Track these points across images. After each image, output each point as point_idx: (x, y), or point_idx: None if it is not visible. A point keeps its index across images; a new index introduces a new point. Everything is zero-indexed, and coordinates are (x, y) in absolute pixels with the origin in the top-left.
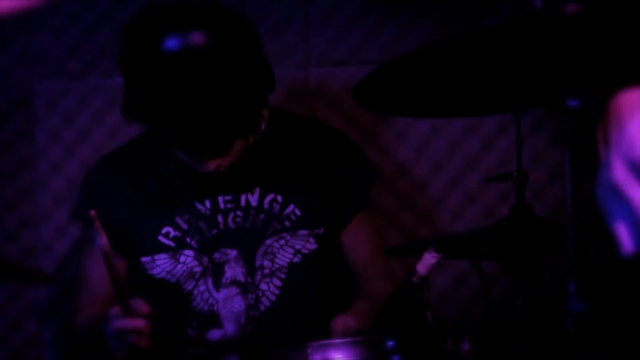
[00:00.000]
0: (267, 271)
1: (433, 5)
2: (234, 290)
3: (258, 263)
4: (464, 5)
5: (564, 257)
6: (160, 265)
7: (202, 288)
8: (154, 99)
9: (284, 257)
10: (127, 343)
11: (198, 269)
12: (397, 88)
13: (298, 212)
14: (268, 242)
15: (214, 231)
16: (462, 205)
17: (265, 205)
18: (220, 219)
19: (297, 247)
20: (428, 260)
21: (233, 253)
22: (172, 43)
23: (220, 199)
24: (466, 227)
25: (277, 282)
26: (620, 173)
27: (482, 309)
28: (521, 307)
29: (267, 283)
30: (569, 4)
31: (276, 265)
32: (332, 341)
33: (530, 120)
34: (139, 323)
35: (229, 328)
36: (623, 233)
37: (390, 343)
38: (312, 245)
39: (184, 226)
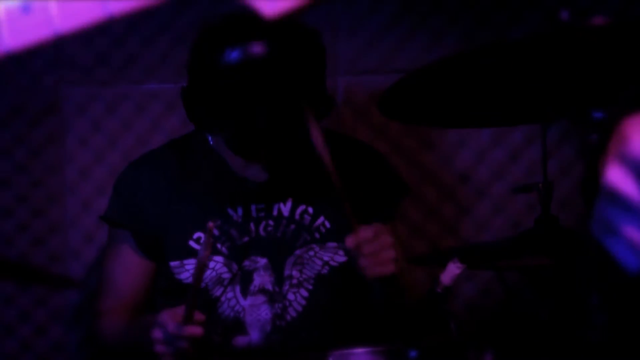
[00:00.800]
0: (295, 281)
1: (460, 17)
2: (261, 298)
3: (287, 273)
4: (490, 17)
5: (588, 268)
6: (189, 270)
7: (230, 295)
8: (231, 101)
9: (313, 268)
10: (178, 349)
11: (227, 276)
12: (423, 98)
13: (328, 225)
14: (297, 252)
15: (245, 239)
16: (489, 216)
17: (297, 216)
18: (252, 226)
19: (326, 258)
20: (452, 270)
21: (263, 261)
22: (255, 48)
23: (253, 207)
24: (492, 237)
25: (305, 293)
26: (615, 174)
27: (508, 319)
28: (545, 318)
29: (294, 293)
30: (596, 16)
31: (304, 276)
32: (353, 350)
33: (557, 132)
34: (197, 330)
35: (255, 336)
36: (628, 244)
37: (412, 353)
38: (340, 258)
39: (215, 232)
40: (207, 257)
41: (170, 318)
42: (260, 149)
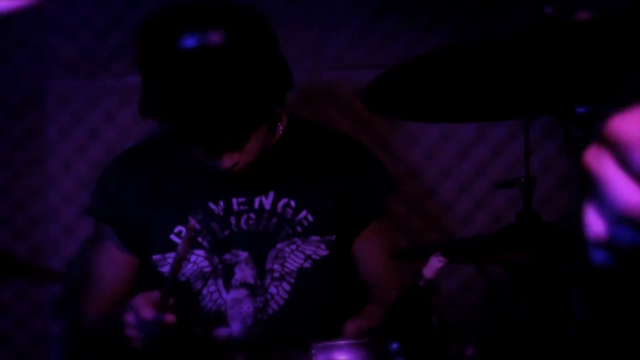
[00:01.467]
0: (276, 275)
1: (446, 15)
2: (243, 292)
3: (268, 266)
4: (476, 14)
5: (569, 263)
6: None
7: (212, 288)
8: (168, 94)
9: (295, 262)
10: (150, 334)
11: (208, 269)
12: (407, 92)
13: (310, 218)
14: (279, 245)
15: (226, 232)
16: (471, 211)
17: (279, 209)
18: (232, 220)
19: (308, 252)
20: (434, 264)
21: (244, 255)
22: (187, 40)
23: (234, 201)
24: (475, 232)
25: (287, 287)
26: (592, 154)
27: (489, 314)
28: (526, 312)
29: (276, 287)
30: (580, 11)
31: (286, 270)
32: (336, 342)
33: (539, 128)
34: (171, 318)
35: (235, 328)
36: (593, 216)
37: (394, 345)
38: (323, 252)
39: (197, 226)
40: (186, 252)
41: (143, 303)
42: (212, 136)
